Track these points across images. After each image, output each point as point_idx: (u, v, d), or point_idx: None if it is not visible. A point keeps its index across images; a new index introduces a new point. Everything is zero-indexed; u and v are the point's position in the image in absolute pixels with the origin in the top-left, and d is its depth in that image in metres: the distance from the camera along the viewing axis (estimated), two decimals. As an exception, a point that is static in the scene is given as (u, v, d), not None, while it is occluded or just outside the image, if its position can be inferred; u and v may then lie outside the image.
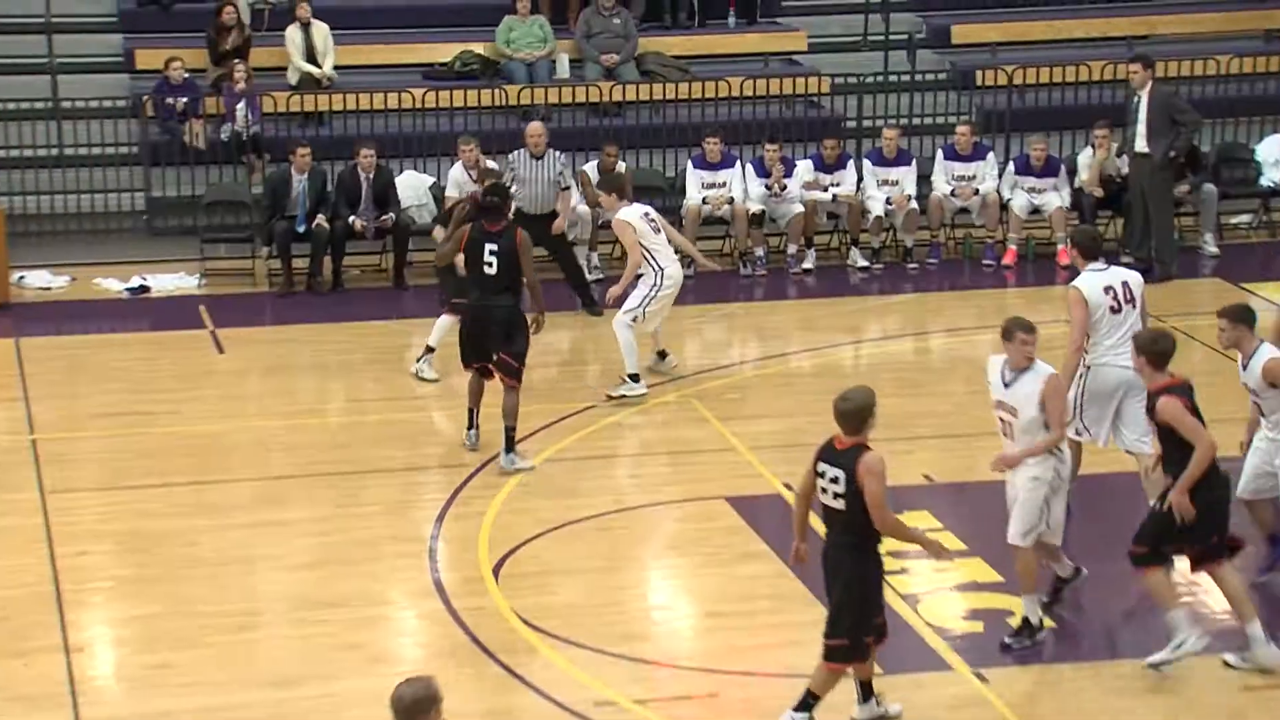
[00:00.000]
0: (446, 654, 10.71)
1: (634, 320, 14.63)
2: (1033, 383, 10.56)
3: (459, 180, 16.89)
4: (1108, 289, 11.77)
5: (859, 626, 9.61)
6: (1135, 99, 17.51)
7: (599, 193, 13.87)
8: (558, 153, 16.79)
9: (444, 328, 14.84)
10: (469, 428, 13.67)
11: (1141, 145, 17.41)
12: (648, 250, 14.60)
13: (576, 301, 16.90)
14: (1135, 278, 12.08)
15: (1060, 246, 18.03)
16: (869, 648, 9.71)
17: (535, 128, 16.80)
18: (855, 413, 9.67)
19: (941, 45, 20.61)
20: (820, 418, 14.39)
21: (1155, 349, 10.47)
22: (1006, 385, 10.72)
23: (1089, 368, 11.92)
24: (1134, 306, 11.94)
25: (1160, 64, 19.59)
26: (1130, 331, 11.62)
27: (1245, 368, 11.04)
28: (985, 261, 18.43)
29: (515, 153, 16.83)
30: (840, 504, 9.54)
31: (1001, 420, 10.80)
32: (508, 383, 13.24)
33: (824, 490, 9.61)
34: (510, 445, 13.22)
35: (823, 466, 9.62)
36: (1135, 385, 11.46)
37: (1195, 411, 10.30)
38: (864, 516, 9.49)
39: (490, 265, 13.20)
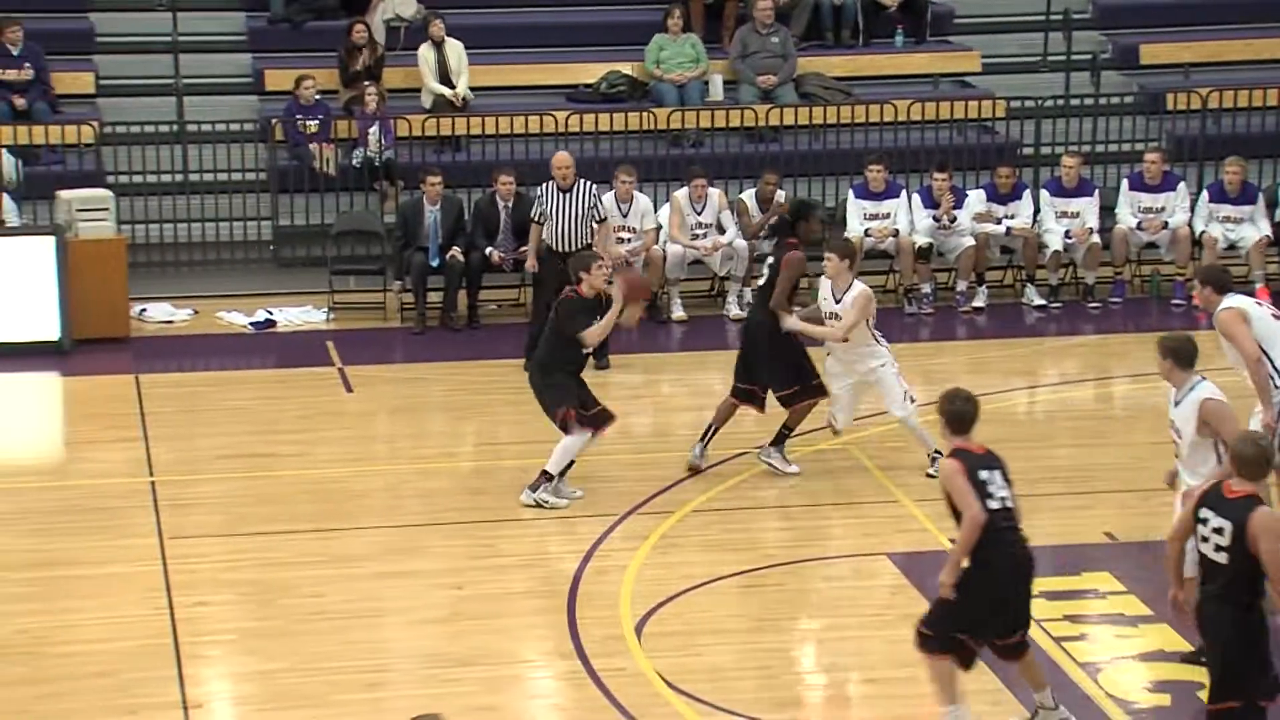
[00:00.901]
0: (586, 718, 10.74)
1: (911, 400, 14.25)
2: (1192, 404, 10.78)
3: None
4: (1259, 304, 12.02)
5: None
6: None
7: (829, 256, 13.66)
8: (589, 184, 16.61)
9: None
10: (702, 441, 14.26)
11: None
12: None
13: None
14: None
15: (1259, 286, 17.83)
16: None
17: (562, 158, 16.70)
18: (1255, 460, 9.45)
19: (1129, 66, 20.53)
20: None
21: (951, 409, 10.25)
22: (1175, 404, 10.98)
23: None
24: None
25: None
26: None
27: (1176, 404, 10.98)
28: (1175, 301, 18.26)
29: (543, 185, 16.73)
30: (1223, 557, 9.36)
31: (1174, 442, 11.09)
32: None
33: (1205, 539, 9.45)
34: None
35: (1206, 514, 9.46)
36: None
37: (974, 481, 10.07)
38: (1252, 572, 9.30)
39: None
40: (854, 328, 13.74)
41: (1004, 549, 10.06)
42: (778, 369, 14.06)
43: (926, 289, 18.27)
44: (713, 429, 14.25)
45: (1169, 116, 19.74)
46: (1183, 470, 11.20)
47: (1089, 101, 20.00)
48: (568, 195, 16.48)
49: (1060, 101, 19.93)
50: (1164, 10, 21.09)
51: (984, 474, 10.09)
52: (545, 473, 13.56)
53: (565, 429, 13.47)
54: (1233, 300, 11.98)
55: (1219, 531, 9.33)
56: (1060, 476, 14.28)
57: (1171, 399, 11.09)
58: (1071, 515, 13.50)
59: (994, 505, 10.02)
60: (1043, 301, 18.28)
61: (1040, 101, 19.81)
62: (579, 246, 16.19)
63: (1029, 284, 18.40)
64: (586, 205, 16.44)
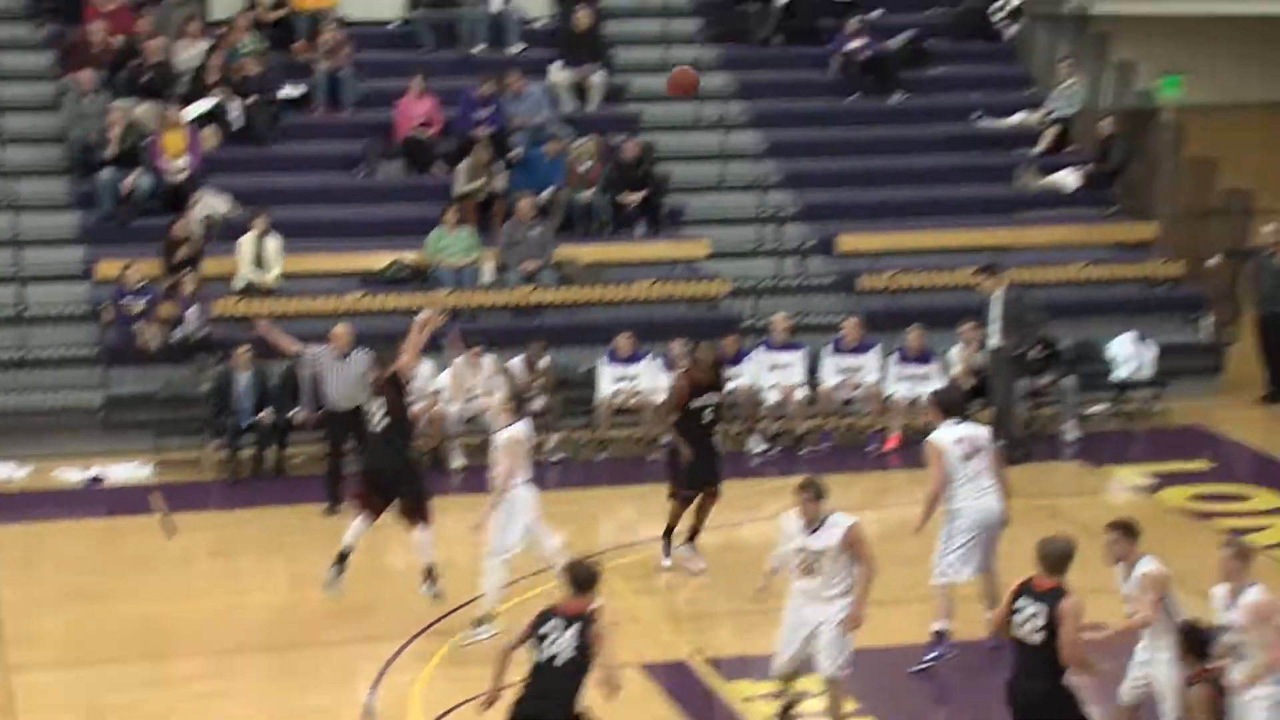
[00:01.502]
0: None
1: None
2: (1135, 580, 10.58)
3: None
4: (959, 440, 12.70)
5: None
6: (989, 301, 18.05)
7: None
8: (362, 351, 16.64)
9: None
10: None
11: (994, 341, 17.94)
12: None
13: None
14: (984, 433, 13.08)
15: (893, 433, 18.57)
16: None
17: (340, 329, 16.96)
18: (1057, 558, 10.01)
19: (829, 253, 21.06)
20: (724, 590, 14.64)
21: None
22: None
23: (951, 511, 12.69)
24: (983, 455, 12.85)
25: (1024, 270, 20.23)
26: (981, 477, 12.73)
27: (1126, 578, 10.78)
28: (869, 448, 18.74)
29: (319, 348, 16.93)
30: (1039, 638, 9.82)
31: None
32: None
33: (1021, 625, 9.92)
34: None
35: (1022, 602, 9.96)
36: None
37: None
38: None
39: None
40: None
41: None
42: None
43: (667, 439, 18.54)
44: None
45: (863, 295, 20.31)
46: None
47: (797, 282, 20.49)
48: (344, 362, 16.69)
49: (774, 282, 20.40)
50: (858, 208, 21.65)
51: None
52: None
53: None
54: (939, 434, 12.64)
55: (1035, 616, 9.85)
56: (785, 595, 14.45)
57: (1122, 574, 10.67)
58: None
59: None
60: (763, 448, 18.64)
61: (758, 282, 20.28)
62: (353, 405, 16.37)
63: (751, 433, 18.75)
64: (359, 371, 16.54)
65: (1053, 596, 9.82)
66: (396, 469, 13.93)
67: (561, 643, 9.58)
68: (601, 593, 9.94)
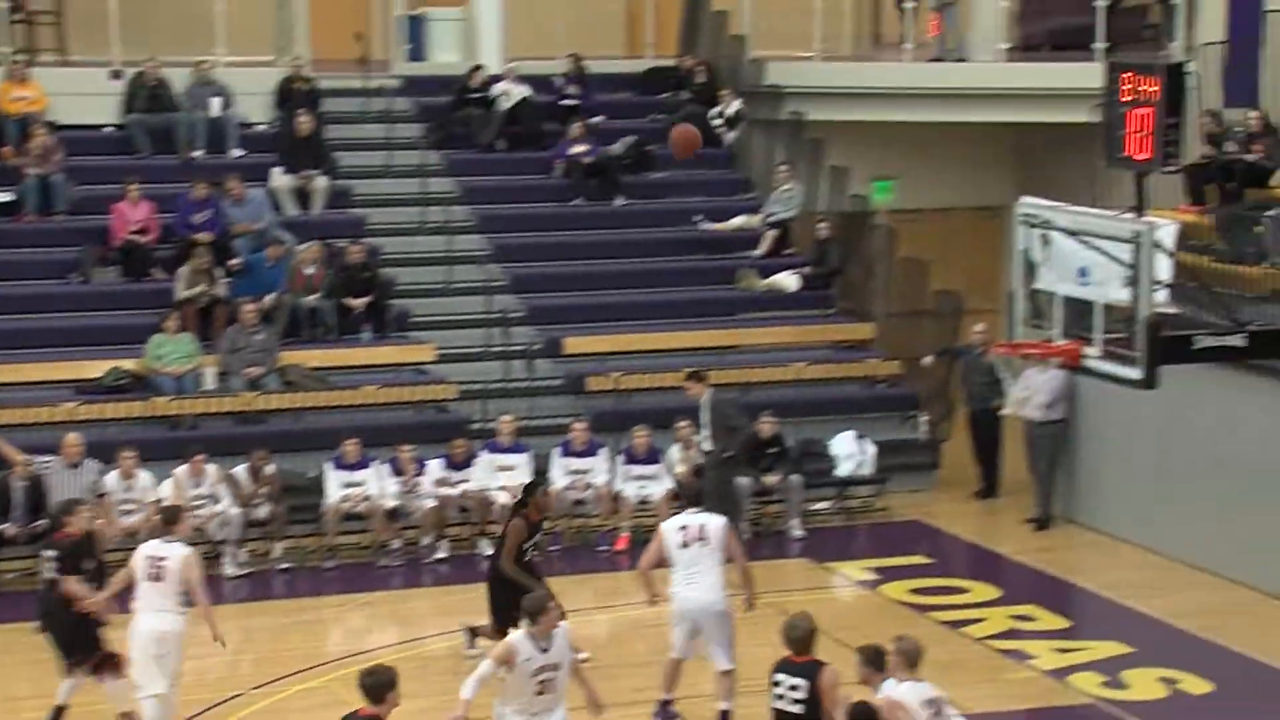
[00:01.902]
0: None
1: None
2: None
3: (109, 487, 17.27)
4: (683, 528, 13.02)
5: None
6: (699, 406, 18.29)
7: None
8: (93, 461, 16.59)
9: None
10: None
11: (707, 445, 18.16)
12: None
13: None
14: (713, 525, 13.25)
15: (622, 534, 18.72)
16: None
17: (71, 438, 16.84)
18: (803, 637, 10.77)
19: (556, 355, 21.18)
20: (453, 696, 14.49)
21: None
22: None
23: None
24: (705, 545, 13.13)
25: (745, 370, 20.60)
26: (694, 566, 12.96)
27: None
28: (600, 548, 18.81)
29: (47, 458, 16.70)
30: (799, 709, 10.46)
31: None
32: None
33: (780, 697, 10.48)
34: None
35: (781, 676, 10.64)
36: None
37: None
38: None
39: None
40: None
41: None
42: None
43: (396, 544, 18.38)
44: None
45: (590, 396, 20.45)
46: None
47: (525, 384, 20.54)
48: (74, 470, 16.24)
49: (502, 384, 20.42)
50: (583, 309, 21.85)
51: None
52: None
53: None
54: (669, 520, 12.80)
55: (795, 689, 10.53)
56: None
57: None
58: None
59: None
60: (493, 551, 18.48)
61: (486, 384, 20.27)
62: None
63: (482, 537, 18.66)
64: (90, 480, 16.18)
65: (811, 669, 10.62)
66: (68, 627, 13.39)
67: None
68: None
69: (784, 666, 10.77)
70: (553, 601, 11.63)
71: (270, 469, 18.20)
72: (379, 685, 10.08)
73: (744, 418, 18.67)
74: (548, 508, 14.84)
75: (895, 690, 10.38)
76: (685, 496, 13.57)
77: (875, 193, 23.58)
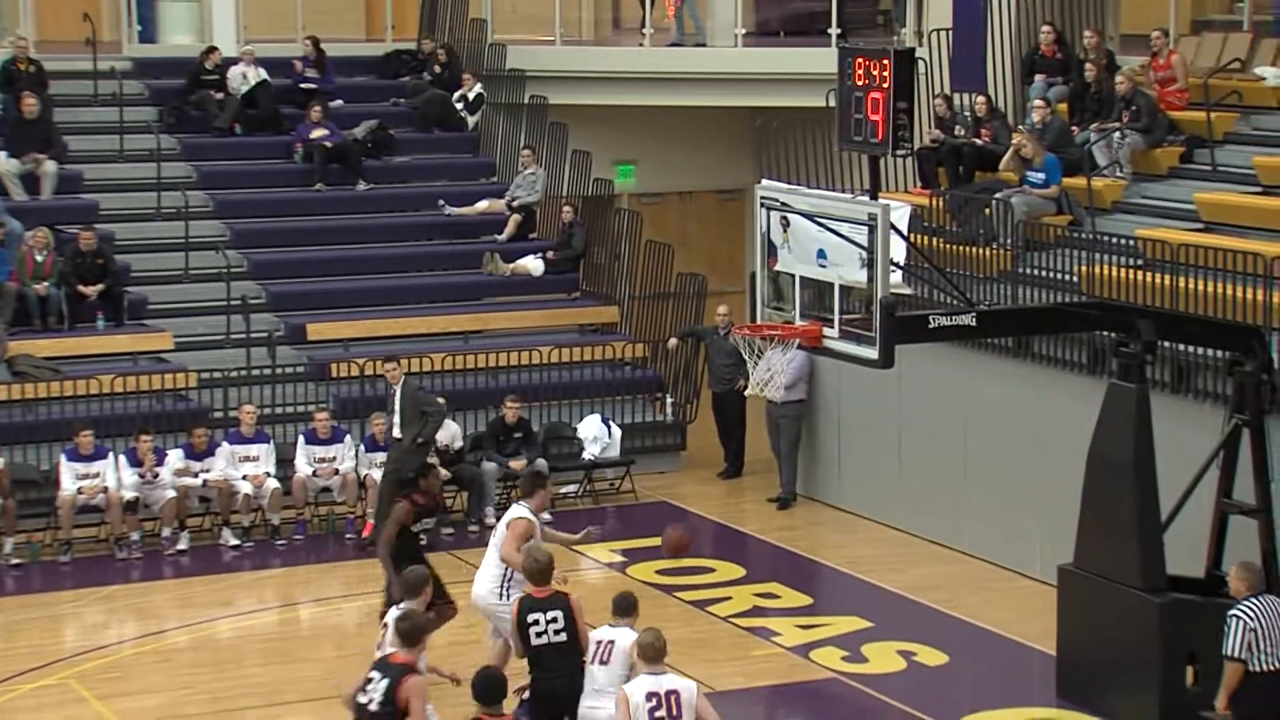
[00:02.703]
0: None
1: None
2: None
3: None
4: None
5: None
6: (391, 392, 18.03)
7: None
8: None
9: None
10: None
11: (396, 432, 17.81)
12: None
13: None
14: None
15: (369, 521, 18.51)
16: None
17: None
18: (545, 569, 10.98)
19: (299, 341, 20.88)
20: (197, 689, 14.27)
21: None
22: None
23: None
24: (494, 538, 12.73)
25: (492, 354, 20.56)
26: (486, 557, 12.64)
27: None
28: (348, 535, 18.61)
29: None
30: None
31: None
32: None
33: (542, 634, 10.80)
34: None
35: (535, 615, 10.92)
36: None
37: None
38: None
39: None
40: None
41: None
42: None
43: (135, 536, 17.95)
44: None
45: (334, 382, 20.21)
46: None
47: (268, 371, 20.21)
48: None
49: (244, 372, 20.06)
50: (327, 295, 21.56)
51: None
52: None
53: None
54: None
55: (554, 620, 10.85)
56: (256, 691, 14.24)
57: None
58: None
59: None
60: (237, 541, 18.25)
61: (226, 372, 19.89)
62: None
63: (225, 527, 18.34)
64: None
65: (561, 599, 11.03)
66: None
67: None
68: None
69: (531, 604, 11.15)
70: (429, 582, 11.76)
71: (2, 463, 17.65)
72: (414, 630, 10.36)
73: (437, 405, 18.37)
74: (433, 492, 14.50)
75: (625, 685, 10.54)
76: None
77: (618, 176, 23.72)
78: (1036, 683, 14.33)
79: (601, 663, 11.03)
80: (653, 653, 10.49)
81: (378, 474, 18.62)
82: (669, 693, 10.35)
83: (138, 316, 20.60)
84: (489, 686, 10.11)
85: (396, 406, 17.86)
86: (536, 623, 10.85)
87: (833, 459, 19.64)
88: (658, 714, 10.29)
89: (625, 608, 11.23)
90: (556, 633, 11.04)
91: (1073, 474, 14.28)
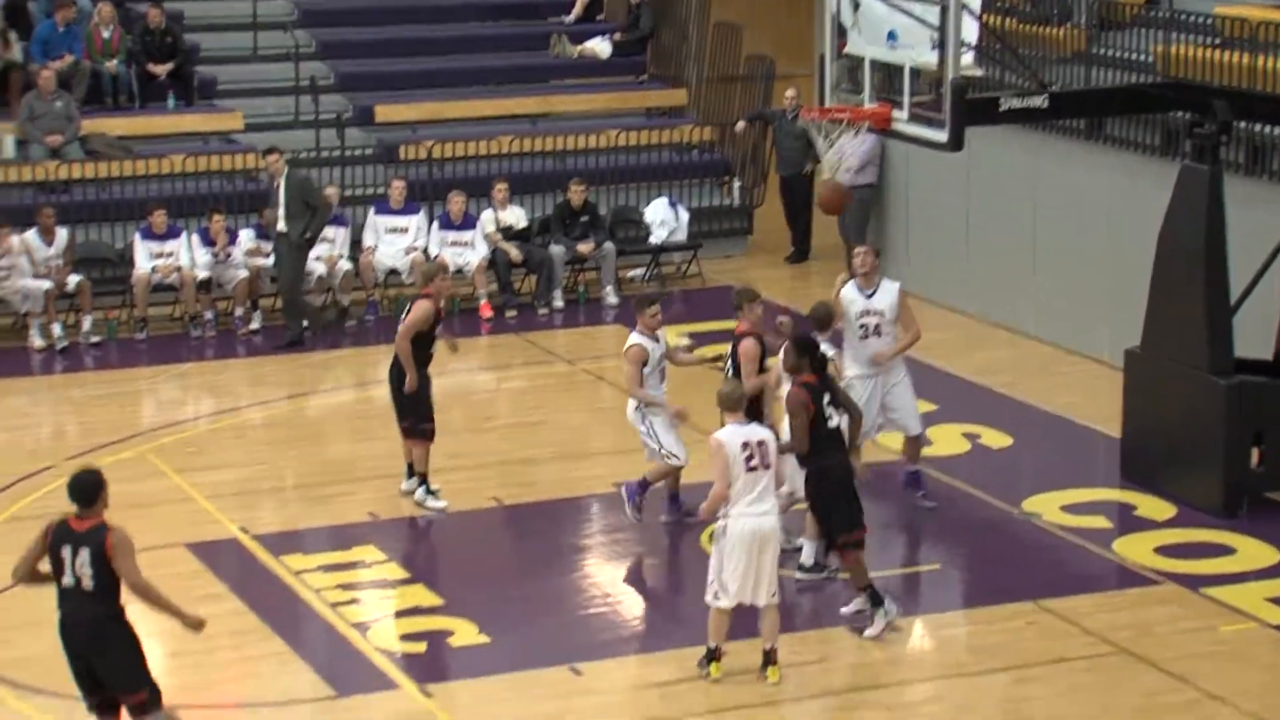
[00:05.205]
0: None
1: None
2: None
3: None
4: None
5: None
6: (276, 184, 17.61)
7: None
8: None
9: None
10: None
11: (281, 226, 17.40)
12: None
13: None
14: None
15: (482, 301, 18.54)
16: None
17: None
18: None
19: (367, 123, 20.74)
20: (270, 466, 14.45)
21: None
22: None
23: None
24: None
25: (559, 137, 20.37)
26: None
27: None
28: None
29: None
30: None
31: None
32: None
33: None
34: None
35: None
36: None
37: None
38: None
39: None
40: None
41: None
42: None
43: (209, 315, 18.05)
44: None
45: (402, 164, 20.08)
46: None
47: (337, 153, 20.11)
48: None
49: (313, 153, 19.97)
50: (395, 77, 21.39)
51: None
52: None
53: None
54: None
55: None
56: (331, 468, 14.39)
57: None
58: (340, 500, 13.64)
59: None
60: (307, 323, 18.25)
61: (295, 154, 19.78)
62: None
63: (296, 308, 18.38)
64: None
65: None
66: None
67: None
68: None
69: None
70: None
71: (64, 234, 17.72)
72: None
73: (321, 196, 17.87)
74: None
75: (718, 432, 10.55)
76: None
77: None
78: (1101, 464, 14.29)
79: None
80: (733, 402, 10.66)
81: (449, 254, 18.60)
82: (759, 442, 10.52)
83: (207, 96, 20.49)
84: None
85: (281, 199, 17.42)
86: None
87: (900, 243, 19.44)
88: (751, 462, 10.43)
89: (822, 319, 12.21)
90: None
91: (1142, 258, 14.07)
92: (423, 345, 13.30)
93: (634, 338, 12.85)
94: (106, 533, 9.11)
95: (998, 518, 13.34)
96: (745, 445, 10.45)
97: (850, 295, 13.09)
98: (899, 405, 13.21)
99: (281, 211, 17.38)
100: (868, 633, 11.13)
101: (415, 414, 13.29)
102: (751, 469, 10.40)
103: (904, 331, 13.12)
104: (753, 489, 10.41)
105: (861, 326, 13.05)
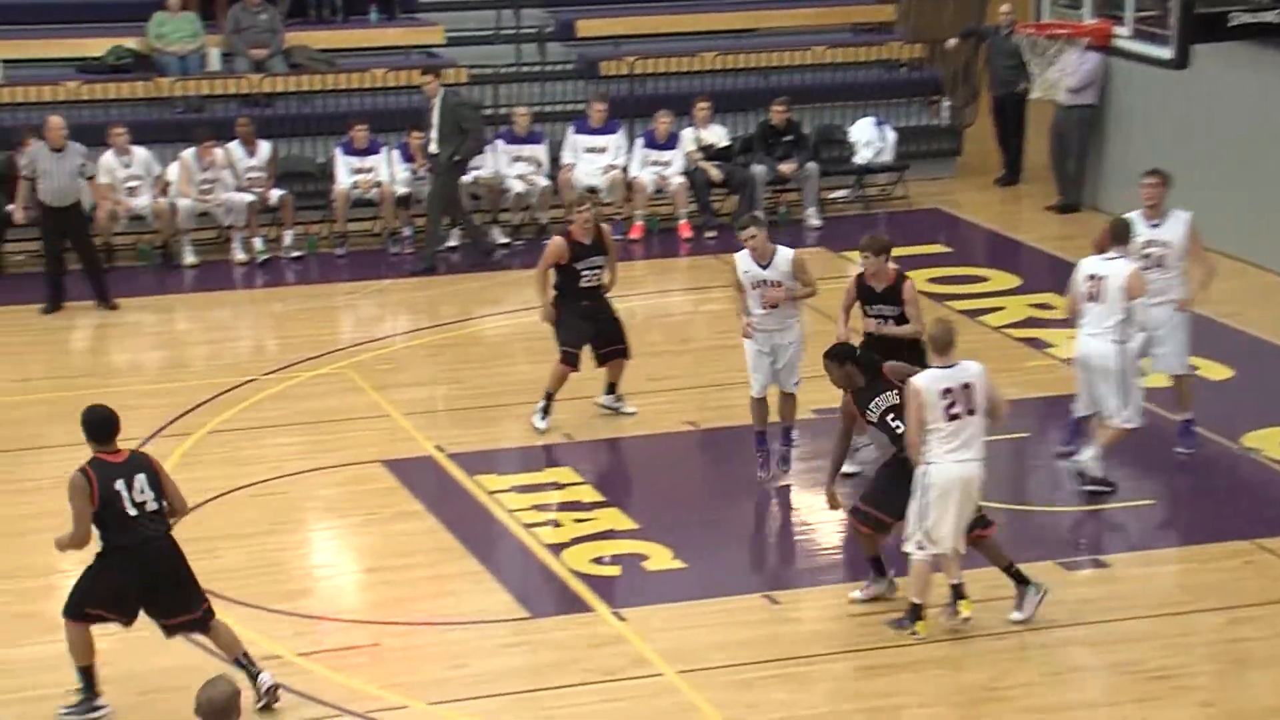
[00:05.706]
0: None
1: None
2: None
3: (109, 167, 16.97)
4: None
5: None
6: (430, 106, 17.35)
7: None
8: (78, 145, 16.01)
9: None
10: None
11: (433, 148, 17.23)
12: None
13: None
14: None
15: (681, 221, 18.38)
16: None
17: (55, 121, 16.00)
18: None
19: (568, 38, 20.64)
20: (465, 385, 14.48)
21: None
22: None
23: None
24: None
25: (763, 54, 20.07)
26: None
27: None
28: (615, 237, 18.52)
29: (34, 145, 16.06)
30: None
31: None
32: None
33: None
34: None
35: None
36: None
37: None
38: None
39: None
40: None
41: None
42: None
43: (407, 232, 18.13)
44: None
45: (603, 81, 19.94)
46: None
47: (537, 68, 20.04)
48: (59, 155, 15.88)
49: (514, 68, 19.92)
50: (596, -9, 21.35)
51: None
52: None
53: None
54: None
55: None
56: (517, 389, 14.33)
57: None
58: (529, 421, 13.59)
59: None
60: (505, 240, 18.29)
61: (497, 69, 19.77)
62: (71, 201, 15.85)
63: (494, 225, 18.40)
64: (75, 164, 15.90)
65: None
66: None
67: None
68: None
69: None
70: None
71: (267, 147, 17.88)
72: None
73: (479, 120, 17.63)
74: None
75: (917, 378, 10.22)
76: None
77: None
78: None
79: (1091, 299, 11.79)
80: (942, 344, 10.29)
81: (648, 175, 18.47)
82: (963, 386, 10.15)
83: (410, 11, 20.54)
84: None
85: (435, 121, 17.22)
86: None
87: (1119, 167, 18.81)
88: (953, 410, 10.09)
89: (1119, 234, 11.91)
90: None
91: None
92: (569, 276, 13.22)
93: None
94: (147, 457, 9.45)
95: (1217, 453, 12.91)
96: (947, 391, 10.13)
97: (1135, 226, 12.35)
98: (1168, 342, 12.67)
99: (434, 134, 17.30)
100: (1015, 615, 10.40)
101: (607, 340, 13.27)
102: (953, 416, 10.08)
103: (1196, 266, 12.49)
104: (956, 437, 10.08)
105: (1145, 258, 12.40)
